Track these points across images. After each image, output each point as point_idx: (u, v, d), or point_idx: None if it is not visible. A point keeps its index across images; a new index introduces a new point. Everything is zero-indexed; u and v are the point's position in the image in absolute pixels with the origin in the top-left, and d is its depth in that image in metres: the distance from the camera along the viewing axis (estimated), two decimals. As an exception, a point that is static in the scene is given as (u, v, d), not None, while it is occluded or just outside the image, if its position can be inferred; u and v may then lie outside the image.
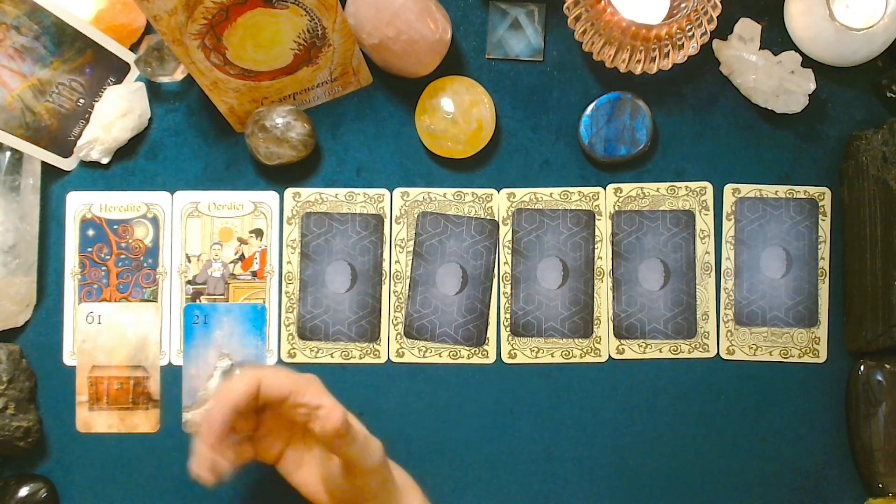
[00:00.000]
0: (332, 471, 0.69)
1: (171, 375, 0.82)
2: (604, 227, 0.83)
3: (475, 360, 0.82)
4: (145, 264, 0.83)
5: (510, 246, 0.83)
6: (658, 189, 0.84)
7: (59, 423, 0.82)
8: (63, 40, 0.79)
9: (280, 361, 0.82)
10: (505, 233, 0.83)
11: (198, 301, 0.83)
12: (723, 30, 0.82)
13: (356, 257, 0.83)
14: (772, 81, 0.81)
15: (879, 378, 0.80)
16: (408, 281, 0.83)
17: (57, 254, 0.83)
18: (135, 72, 0.84)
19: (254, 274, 0.83)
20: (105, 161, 0.83)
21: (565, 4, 0.80)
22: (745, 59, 0.82)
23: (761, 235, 0.83)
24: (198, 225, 0.83)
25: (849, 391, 0.81)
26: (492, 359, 0.82)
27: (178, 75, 0.83)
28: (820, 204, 0.84)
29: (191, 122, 0.84)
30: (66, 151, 0.82)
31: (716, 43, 0.83)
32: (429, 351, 0.82)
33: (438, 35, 0.79)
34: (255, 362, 0.68)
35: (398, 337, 0.82)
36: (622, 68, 0.80)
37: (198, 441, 0.65)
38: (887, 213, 0.78)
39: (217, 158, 0.84)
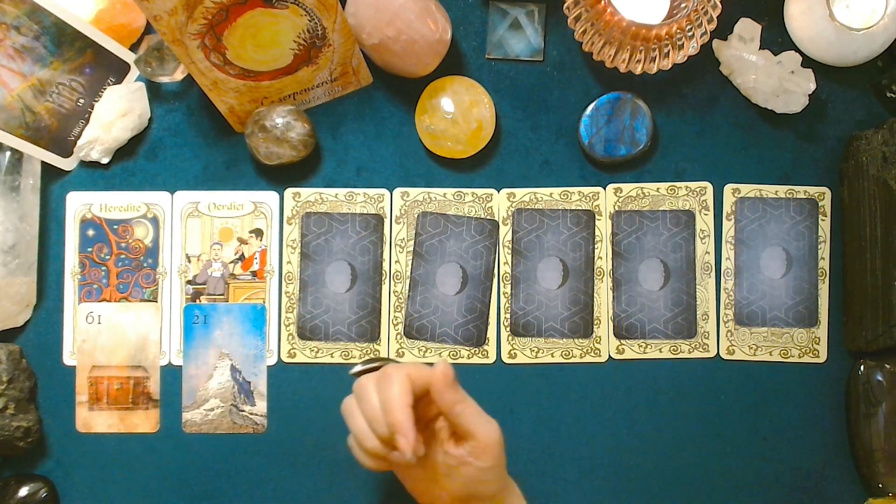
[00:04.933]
0: (451, 466, 0.68)
1: (171, 375, 0.82)
2: (604, 227, 0.83)
3: (475, 360, 0.82)
4: (145, 264, 0.83)
5: (510, 246, 0.83)
6: (658, 189, 0.84)
7: (59, 423, 0.82)
8: (63, 40, 0.79)
9: (280, 361, 0.82)
10: (505, 233, 0.83)
11: (198, 301, 0.83)
12: (723, 30, 0.82)
13: (356, 257, 0.83)
14: (772, 81, 0.81)
15: (879, 378, 0.80)
16: (408, 281, 0.83)
17: (57, 254, 0.83)
18: (135, 72, 0.84)
19: (254, 274, 0.83)
20: (105, 161, 0.83)
21: (565, 4, 0.80)
22: (745, 59, 0.82)
23: (761, 235, 0.83)
24: (198, 225, 0.83)
25: (849, 391, 0.81)
26: (492, 359, 0.82)
27: (178, 75, 0.83)
28: (820, 204, 0.84)
29: (191, 122, 0.84)
30: (66, 151, 0.82)
31: (716, 43, 0.83)
32: (429, 351, 0.82)
33: (438, 35, 0.79)
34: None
35: (398, 337, 0.82)
36: (622, 68, 0.80)
37: (396, 431, 0.64)
38: (887, 213, 0.78)
39: (217, 158, 0.84)
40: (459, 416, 0.66)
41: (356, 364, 0.75)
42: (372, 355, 0.82)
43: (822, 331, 0.83)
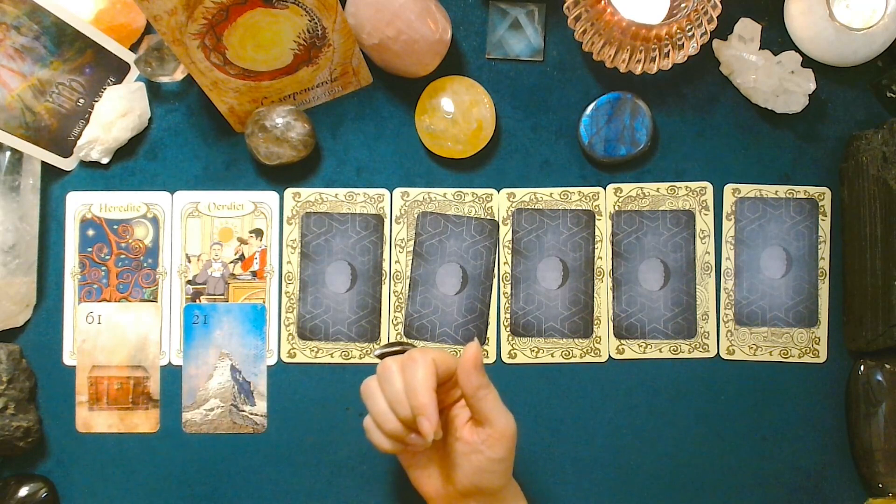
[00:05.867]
0: (463, 454, 0.69)
1: (171, 375, 0.82)
2: (604, 227, 0.83)
3: (475, 360, 0.82)
4: (145, 264, 0.83)
5: (510, 246, 0.83)
6: (658, 189, 0.84)
7: (59, 423, 0.82)
8: (63, 40, 0.79)
9: (280, 361, 0.82)
10: (505, 233, 0.83)
11: (198, 301, 0.83)
12: (723, 30, 0.82)
13: (356, 257, 0.83)
14: (772, 81, 0.81)
15: (879, 378, 0.80)
16: (408, 281, 0.83)
17: (57, 254, 0.83)
18: (135, 72, 0.84)
19: (254, 274, 0.83)
20: (105, 161, 0.83)
21: (565, 4, 0.80)
22: (745, 59, 0.82)
23: (761, 235, 0.83)
24: (198, 225, 0.83)
25: (849, 391, 0.81)
26: (492, 359, 0.82)
27: (178, 75, 0.83)
28: (820, 204, 0.84)
29: (191, 122, 0.84)
30: (66, 151, 0.82)
31: (716, 43, 0.83)
32: (429, 351, 0.82)
33: (438, 35, 0.79)
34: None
35: (398, 337, 0.82)
36: (622, 68, 0.80)
37: (416, 410, 0.65)
38: (887, 213, 0.78)
39: (217, 158, 0.84)
40: (481, 401, 0.67)
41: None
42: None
43: (822, 331, 0.83)
